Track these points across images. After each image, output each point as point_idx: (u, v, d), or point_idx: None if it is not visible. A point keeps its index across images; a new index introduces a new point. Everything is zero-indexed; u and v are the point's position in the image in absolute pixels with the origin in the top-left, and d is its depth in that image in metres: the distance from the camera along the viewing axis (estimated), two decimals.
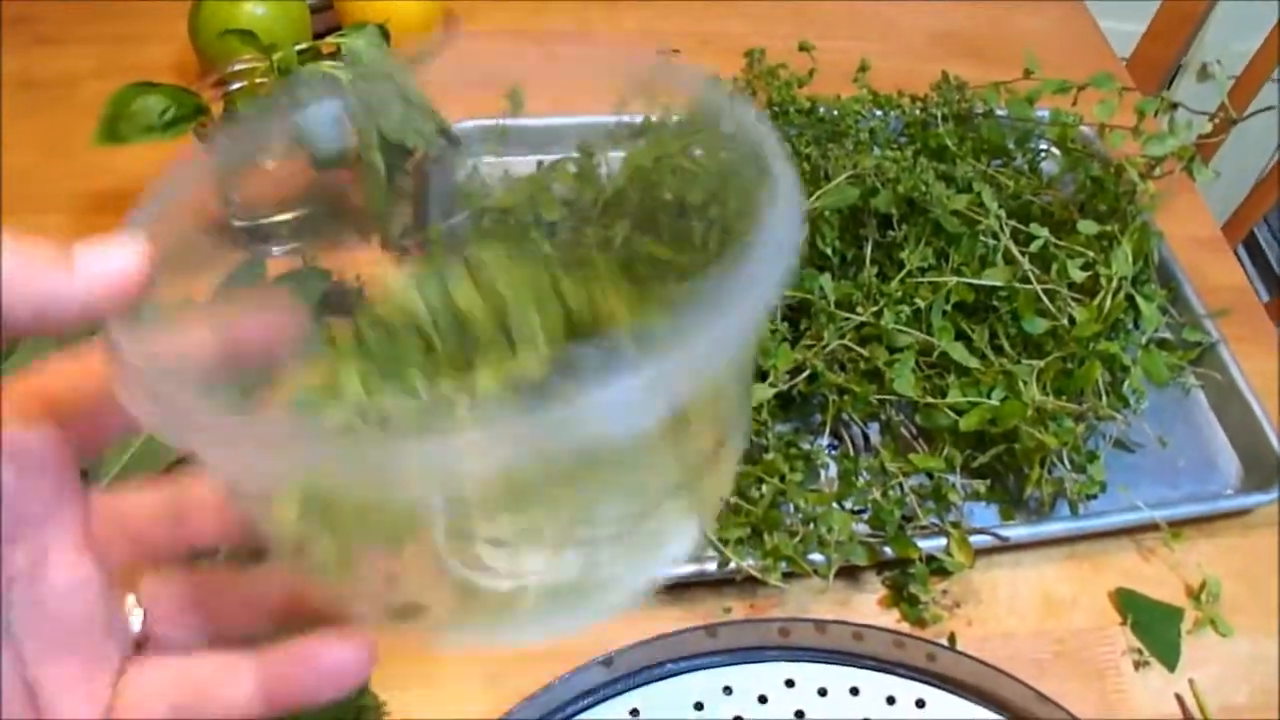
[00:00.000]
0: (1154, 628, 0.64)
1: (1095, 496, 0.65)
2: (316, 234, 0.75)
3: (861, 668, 0.57)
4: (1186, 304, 0.75)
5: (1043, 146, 0.79)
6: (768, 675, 0.57)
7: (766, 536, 0.58)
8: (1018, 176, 0.74)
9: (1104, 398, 0.64)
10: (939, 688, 0.57)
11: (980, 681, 0.57)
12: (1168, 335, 0.73)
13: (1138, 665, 0.63)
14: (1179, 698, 0.62)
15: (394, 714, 0.56)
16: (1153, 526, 0.66)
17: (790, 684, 0.56)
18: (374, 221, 0.73)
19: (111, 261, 0.27)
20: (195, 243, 0.70)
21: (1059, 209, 0.73)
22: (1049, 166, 0.79)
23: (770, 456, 0.61)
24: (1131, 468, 0.69)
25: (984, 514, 0.65)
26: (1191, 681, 0.62)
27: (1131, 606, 0.65)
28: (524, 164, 0.76)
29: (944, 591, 0.63)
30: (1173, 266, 0.77)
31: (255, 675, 0.30)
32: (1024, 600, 0.64)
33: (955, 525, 0.62)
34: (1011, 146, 0.77)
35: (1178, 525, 0.67)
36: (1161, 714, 0.61)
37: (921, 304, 0.65)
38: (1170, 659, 0.63)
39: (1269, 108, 0.76)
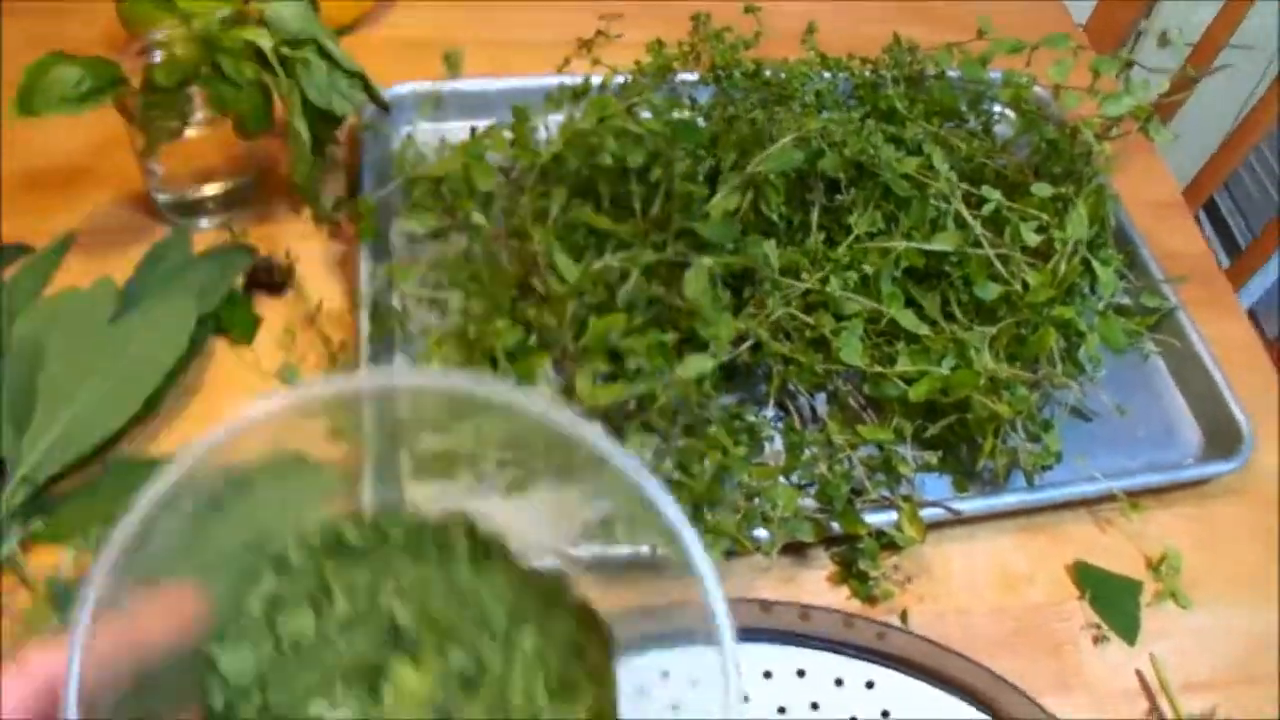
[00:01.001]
0: (1113, 601, 0.62)
1: (1051, 467, 0.63)
2: (245, 206, 0.72)
3: (808, 648, 0.54)
4: (1144, 269, 0.73)
5: (996, 109, 0.77)
6: (708, 658, 0.54)
7: (708, 513, 0.56)
8: (970, 138, 0.71)
9: (1059, 365, 0.62)
10: (889, 667, 0.54)
11: (931, 660, 0.54)
12: (1126, 301, 0.71)
13: (1097, 640, 0.61)
14: (1139, 673, 0.60)
15: None
16: (1110, 497, 0.64)
17: None
18: (304, 193, 0.70)
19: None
20: (114, 218, 0.66)
21: (1013, 172, 0.70)
22: (1003, 130, 0.77)
23: (713, 430, 0.59)
24: (1088, 436, 0.67)
25: (936, 485, 0.63)
26: (1152, 656, 0.60)
27: (1089, 580, 0.63)
28: (461, 130, 0.73)
29: (895, 567, 0.60)
30: (1130, 230, 0.75)
31: None
32: (979, 575, 0.62)
33: (906, 499, 0.59)
34: (964, 109, 0.74)
35: (1136, 495, 0.65)
36: (1122, 689, 0.59)
37: (870, 270, 0.63)
38: (1130, 633, 0.61)
39: (1227, 65, 0.74)
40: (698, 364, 0.58)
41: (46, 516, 0.57)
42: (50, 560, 0.56)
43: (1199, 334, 0.71)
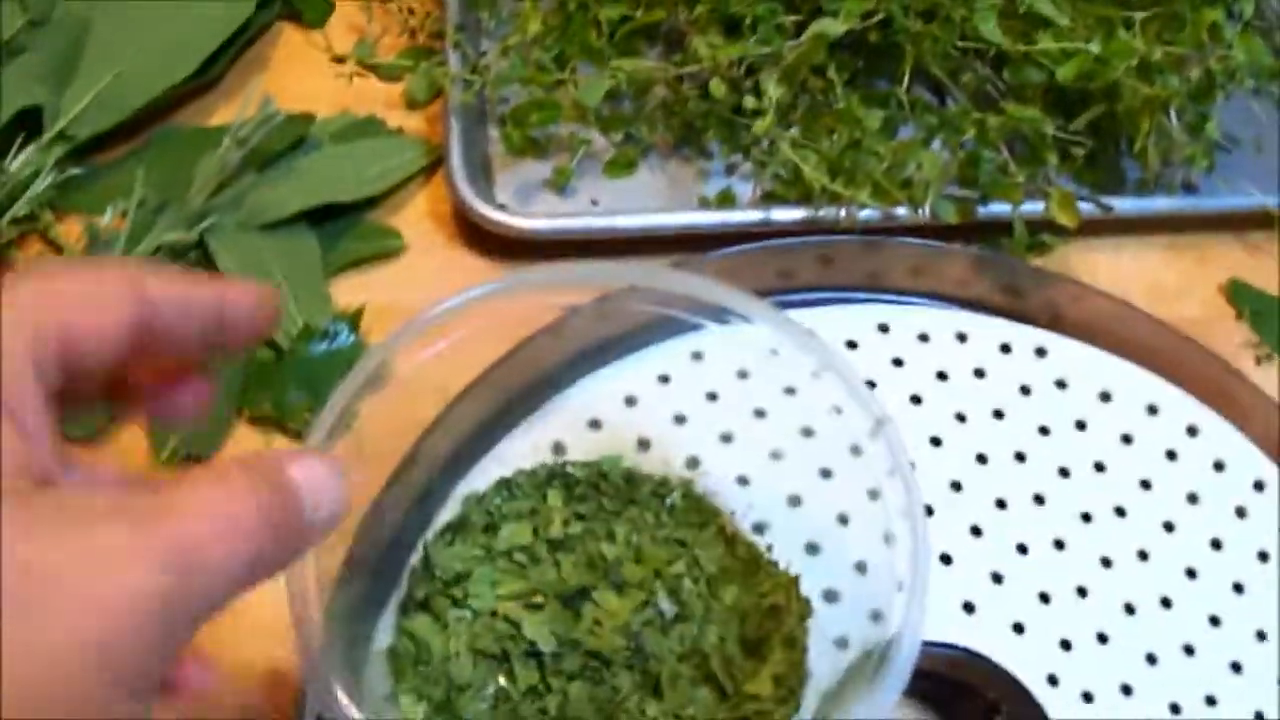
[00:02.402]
0: (1273, 321, 0.56)
1: (1192, 184, 0.58)
2: None
3: (970, 311, 0.48)
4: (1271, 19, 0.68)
5: None
6: (856, 319, 0.47)
7: (849, 165, 0.49)
8: None
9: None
10: (1062, 334, 0.48)
11: (1111, 325, 0.48)
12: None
13: (1259, 360, 0.55)
14: None
15: None
16: (1259, 223, 0.59)
17: (884, 329, 0.47)
18: None
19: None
20: None
21: None
22: None
23: (841, 105, 0.53)
24: (1227, 168, 0.61)
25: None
26: None
27: (1246, 298, 0.57)
28: None
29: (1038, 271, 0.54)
30: None
31: None
32: (1127, 285, 0.55)
33: (1053, 186, 0.53)
34: None
35: None
36: None
37: None
38: None
39: None
40: (827, 25, 0.52)
41: (84, 181, 0.51)
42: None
43: None
